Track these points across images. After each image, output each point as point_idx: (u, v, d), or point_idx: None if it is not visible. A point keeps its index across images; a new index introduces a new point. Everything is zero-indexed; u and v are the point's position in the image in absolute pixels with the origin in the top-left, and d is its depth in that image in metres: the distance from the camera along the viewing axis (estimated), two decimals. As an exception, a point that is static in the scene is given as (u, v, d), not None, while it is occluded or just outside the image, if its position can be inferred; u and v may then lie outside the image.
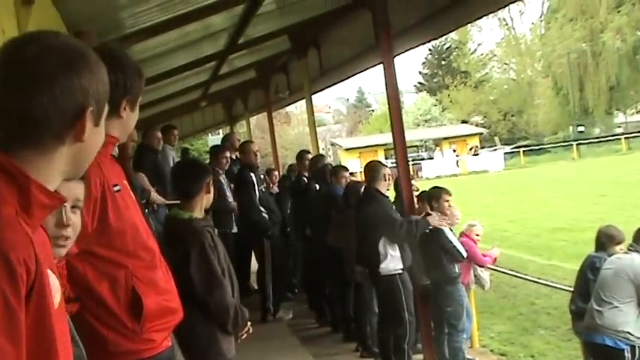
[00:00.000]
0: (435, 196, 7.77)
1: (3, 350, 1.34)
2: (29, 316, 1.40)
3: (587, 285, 6.84)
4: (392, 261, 7.12)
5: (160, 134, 9.23)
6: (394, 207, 7.62)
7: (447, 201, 7.69)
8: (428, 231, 7.28)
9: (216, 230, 4.45)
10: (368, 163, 7.75)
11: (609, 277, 6.39)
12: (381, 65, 8.23)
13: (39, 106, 1.49)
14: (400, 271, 7.14)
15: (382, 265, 7.13)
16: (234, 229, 9.56)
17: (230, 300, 3.99)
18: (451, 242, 7.44)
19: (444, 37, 72.15)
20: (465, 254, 7.54)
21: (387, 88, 8.16)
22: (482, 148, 60.81)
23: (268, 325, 9.15)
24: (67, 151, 1.56)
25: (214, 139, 30.20)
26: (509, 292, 12.66)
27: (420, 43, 8.65)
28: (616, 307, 6.24)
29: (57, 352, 1.47)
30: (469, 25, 55.28)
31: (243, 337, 4.18)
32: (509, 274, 10.55)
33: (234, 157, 10.20)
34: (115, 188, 2.72)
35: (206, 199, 4.25)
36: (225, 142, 10.69)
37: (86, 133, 1.55)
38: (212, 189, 4.23)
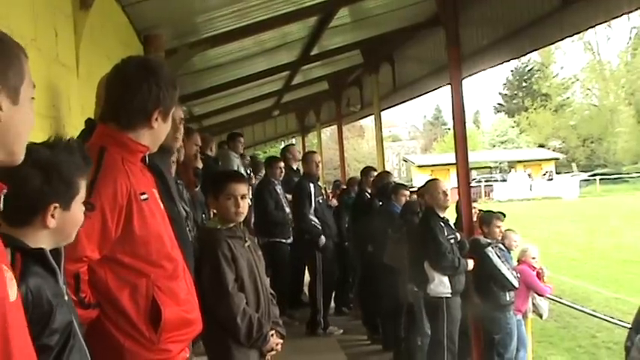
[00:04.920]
0: (485, 221, 7.66)
1: None
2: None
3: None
4: (439, 284, 6.96)
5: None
6: (454, 227, 7.54)
7: (499, 227, 7.56)
8: (476, 258, 7.18)
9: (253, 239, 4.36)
10: (426, 182, 7.65)
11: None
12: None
13: None
14: (448, 295, 6.97)
15: (430, 286, 7.00)
16: (290, 240, 9.58)
17: (237, 311, 3.91)
18: (499, 270, 7.29)
19: (526, 59, 71.24)
20: (515, 283, 7.35)
21: (453, 110, 8.15)
22: (557, 173, 59.65)
23: (317, 339, 9.07)
24: None
25: (288, 147, 30.36)
26: (571, 322, 12.36)
27: (490, 66, 8.54)
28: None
29: None
30: (552, 47, 54.43)
31: (271, 352, 4.08)
32: (569, 305, 10.28)
33: (295, 167, 10.25)
34: (142, 197, 2.73)
35: (224, 209, 4.11)
36: (283, 152, 10.69)
37: None
38: (239, 201, 4.07)
